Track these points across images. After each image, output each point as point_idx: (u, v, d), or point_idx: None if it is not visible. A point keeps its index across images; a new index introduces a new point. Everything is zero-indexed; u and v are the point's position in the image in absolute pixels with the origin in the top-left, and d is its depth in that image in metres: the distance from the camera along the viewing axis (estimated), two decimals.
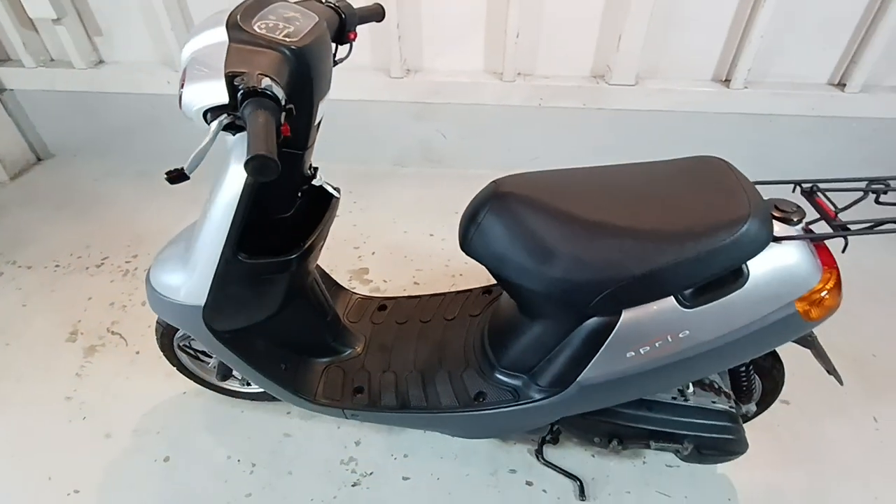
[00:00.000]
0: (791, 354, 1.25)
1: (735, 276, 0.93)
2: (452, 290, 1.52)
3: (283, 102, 0.73)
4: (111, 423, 1.52)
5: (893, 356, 1.71)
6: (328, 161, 2.41)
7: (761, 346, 1.01)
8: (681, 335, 0.96)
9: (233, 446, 1.46)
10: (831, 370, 1.18)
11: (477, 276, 1.98)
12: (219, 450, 1.46)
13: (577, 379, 1.05)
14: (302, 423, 1.52)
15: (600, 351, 1.00)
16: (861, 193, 1.01)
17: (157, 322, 1.34)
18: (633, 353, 0.99)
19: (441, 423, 1.23)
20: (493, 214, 0.99)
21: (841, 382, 1.22)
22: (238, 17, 0.82)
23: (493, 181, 1.05)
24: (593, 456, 1.44)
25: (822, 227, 0.98)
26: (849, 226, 0.94)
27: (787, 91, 2.28)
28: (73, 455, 1.44)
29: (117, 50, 2.44)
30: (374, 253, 2.13)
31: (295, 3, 0.96)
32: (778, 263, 0.94)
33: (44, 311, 1.85)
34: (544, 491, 1.37)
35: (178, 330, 1.35)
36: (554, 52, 2.31)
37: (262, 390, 1.49)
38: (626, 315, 0.96)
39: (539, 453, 1.42)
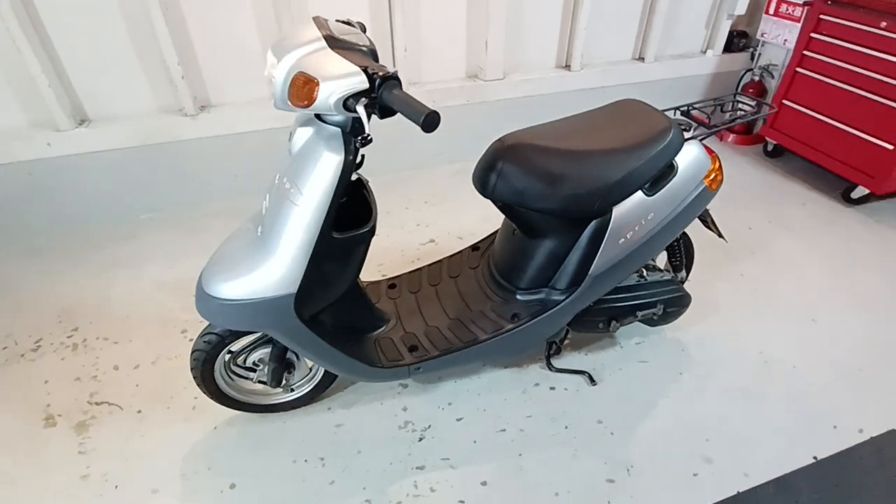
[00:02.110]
0: None
1: (671, 169, 1.38)
2: (445, 256, 1.78)
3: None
4: (151, 479, 1.45)
5: (746, 236, 2.41)
6: (243, 200, 2.46)
7: (691, 215, 1.48)
8: (649, 217, 1.38)
9: (293, 452, 1.52)
10: (720, 234, 1.73)
11: (441, 250, 2.25)
12: (281, 459, 1.50)
13: (590, 272, 1.41)
14: (346, 413, 1.63)
15: (603, 243, 1.37)
16: (712, 108, 1.55)
17: (196, 350, 1.36)
18: (623, 240, 1.39)
19: (492, 350, 1.48)
20: (509, 162, 1.30)
21: (726, 241, 1.79)
22: (325, 32, 1.01)
23: (498, 139, 1.35)
24: (586, 354, 1.82)
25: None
26: (716, 125, 1.46)
27: (609, 68, 2.99)
28: None
29: None
30: None
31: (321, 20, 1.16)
32: (690, 157, 1.41)
33: None
34: (565, 389, 1.70)
35: (220, 352, 1.38)
36: (436, 61, 2.69)
37: (299, 396, 1.58)
38: (615, 212, 1.35)
39: (550, 365, 1.74)
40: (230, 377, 1.49)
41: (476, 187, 1.37)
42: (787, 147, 2.89)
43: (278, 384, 1.45)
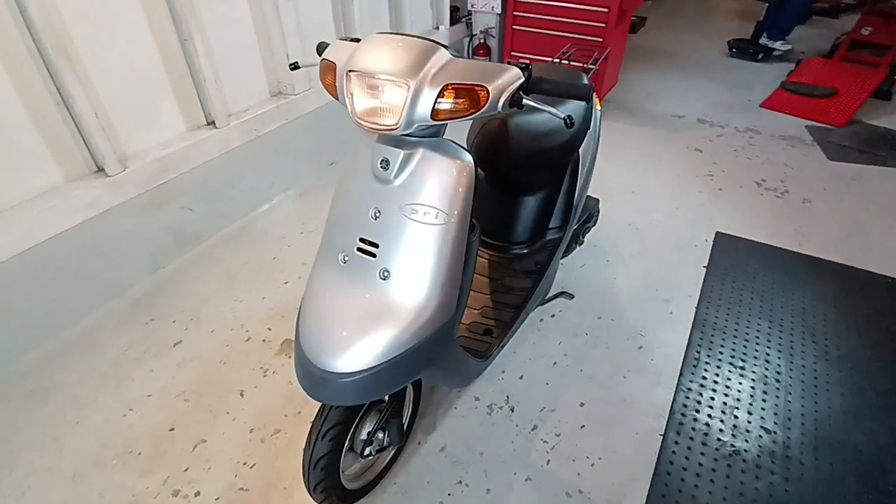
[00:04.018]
0: None
1: (591, 105, 1.78)
2: None
3: None
4: None
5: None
6: (84, 321, 1.88)
7: (599, 134, 1.93)
8: (593, 144, 1.77)
9: (432, 498, 1.43)
10: None
11: None
12: None
13: (574, 204, 1.72)
14: (438, 435, 1.59)
15: (578, 178, 1.70)
16: (564, 56, 2.01)
17: (322, 458, 1.15)
18: (585, 169, 1.74)
19: (536, 297, 1.66)
20: (511, 130, 1.47)
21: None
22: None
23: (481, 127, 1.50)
24: None
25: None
26: (590, 67, 1.92)
27: None
28: None
29: None
30: (270, 329, 1.96)
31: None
32: (591, 92, 1.83)
33: None
34: (561, 311, 2.02)
35: (344, 443, 1.19)
36: (239, 88, 2.43)
37: (399, 444, 1.45)
38: (581, 149, 1.68)
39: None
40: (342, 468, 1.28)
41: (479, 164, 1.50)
42: None
43: (402, 440, 1.33)
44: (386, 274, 1.07)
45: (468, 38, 3.91)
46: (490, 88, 0.96)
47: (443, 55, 0.99)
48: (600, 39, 3.26)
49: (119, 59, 1.92)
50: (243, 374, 1.78)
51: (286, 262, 2.27)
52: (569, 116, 1.00)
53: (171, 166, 2.15)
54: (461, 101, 0.96)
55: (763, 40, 4.52)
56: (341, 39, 1.16)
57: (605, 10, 3.16)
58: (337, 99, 1.11)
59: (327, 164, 2.96)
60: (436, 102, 0.96)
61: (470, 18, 3.86)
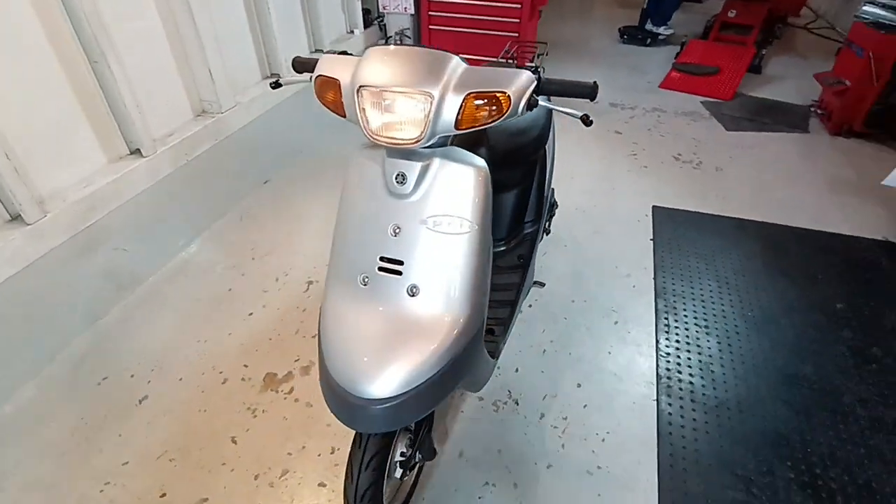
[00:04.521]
0: None
1: None
2: None
3: None
4: None
5: None
6: (12, 394, 1.73)
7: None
8: (553, 138, 1.84)
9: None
10: None
11: None
12: None
13: (545, 196, 1.79)
14: (454, 442, 1.58)
15: (547, 171, 1.76)
16: (508, 55, 2.08)
17: (368, 489, 1.11)
18: (551, 162, 1.81)
19: (525, 289, 1.70)
20: (489, 133, 1.49)
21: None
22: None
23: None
24: None
25: None
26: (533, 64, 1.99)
27: None
28: None
29: None
30: (247, 366, 1.83)
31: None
32: None
33: None
34: (537, 300, 2.09)
35: (387, 468, 1.15)
36: (160, 110, 2.22)
37: (431, 458, 1.43)
38: (547, 144, 1.75)
39: None
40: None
41: None
42: None
43: (433, 455, 1.31)
44: (415, 290, 1.05)
45: (383, 41, 3.87)
46: (510, 94, 0.97)
47: (457, 63, 0.99)
48: (516, 34, 3.39)
49: (22, 89, 1.68)
50: (230, 419, 1.65)
51: (245, 292, 2.13)
52: (586, 115, 1.04)
53: (97, 204, 1.92)
54: (484, 108, 0.97)
55: (649, 26, 4.94)
56: (329, 52, 1.11)
57: (518, 6, 3.29)
58: (341, 115, 1.06)
59: (262, 183, 2.80)
60: (459, 111, 0.95)
61: (383, 21, 3.82)
